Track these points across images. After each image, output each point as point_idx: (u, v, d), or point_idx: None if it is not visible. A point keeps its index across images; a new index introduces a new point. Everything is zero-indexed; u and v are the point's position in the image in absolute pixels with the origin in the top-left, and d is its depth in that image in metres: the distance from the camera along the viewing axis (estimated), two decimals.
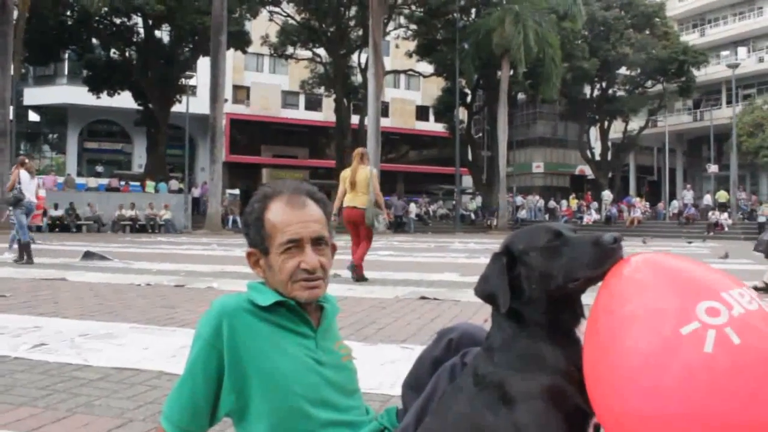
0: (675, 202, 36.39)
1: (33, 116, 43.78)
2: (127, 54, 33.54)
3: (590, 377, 1.17)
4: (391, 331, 4.58)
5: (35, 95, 40.97)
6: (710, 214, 30.30)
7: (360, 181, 7.82)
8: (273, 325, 1.48)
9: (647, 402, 1.03)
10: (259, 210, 1.54)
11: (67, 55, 36.86)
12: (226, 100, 30.08)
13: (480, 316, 5.12)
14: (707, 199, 33.74)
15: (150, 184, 30.19)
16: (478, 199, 38.95)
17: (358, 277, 7.83)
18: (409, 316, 5.29)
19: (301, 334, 1.52)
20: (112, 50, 33.43)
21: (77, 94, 37.83)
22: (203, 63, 31.98)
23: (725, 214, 30.07)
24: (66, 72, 41.34)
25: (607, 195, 36.58)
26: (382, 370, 3.34)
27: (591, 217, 34.63)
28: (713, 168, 37.91)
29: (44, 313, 5.22)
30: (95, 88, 33.74)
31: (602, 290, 1.21)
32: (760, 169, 43.38)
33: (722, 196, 32.94)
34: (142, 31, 32.73)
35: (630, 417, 1.06)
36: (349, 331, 4.51)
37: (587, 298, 1.28)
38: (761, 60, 44.76)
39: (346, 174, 7.99)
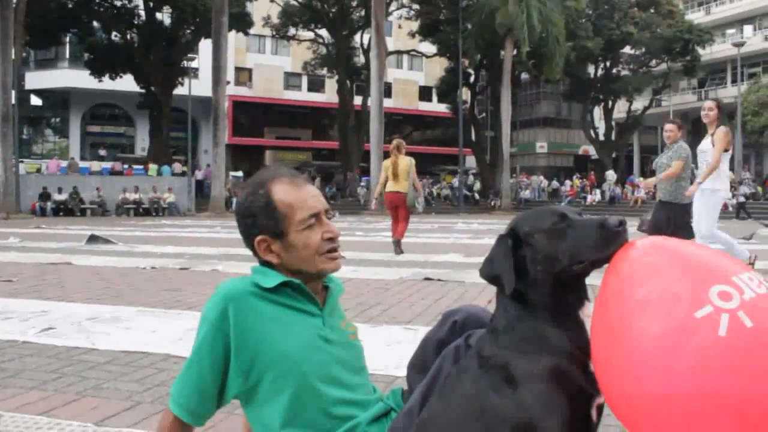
0: None
1: (35, 100, 43.71)
2: (128, 37, 33.41)
3: (601, 360, 1.18)
4: (395, 312, 4.61)
5: (37, 79, 40.91)
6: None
7: (401, 169, 9.00)
8: (280, 306, 1.49)
9: (661, 384, 1.05)
10: (264, 195, 1.53)
11: (68, 39, 36.74)
12: (228, 82, 30.02)
13: (484, 296, 5.14)
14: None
15: (153, 168, 30.21)
16: (471, 179, 38.97)
17: (400, 251, 9.20)
18: (414, 297, 5.32)
19: (309, 312, 1.53)
20: (113, 33, 33.32)
21: (79, 78, 37.80)
22: (205, 45, 31.83)
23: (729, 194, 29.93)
24: (67, 55, 41.26)
25: (611, 175, 36.47)
26: (388, 351, 3.37)
27: (595, 197, 34.57)
28: None
29: (51, 297, 5.25)
30: (97, 72, 33.68)
31: (610, 274, 1.21)
32: (765, 149, 43.17)
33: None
34: (143, 13, 32.59)
35: (643, 399, 1.08)
36: (354, 312, 4.54)
37: (592, 280, 1.29)
38: (767, 38, 44.36)
39: (387, 164, 9.18)
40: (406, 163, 9.04)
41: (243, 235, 1.58)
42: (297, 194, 1.54)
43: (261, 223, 1.53)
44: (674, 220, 6.84)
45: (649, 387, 1.06)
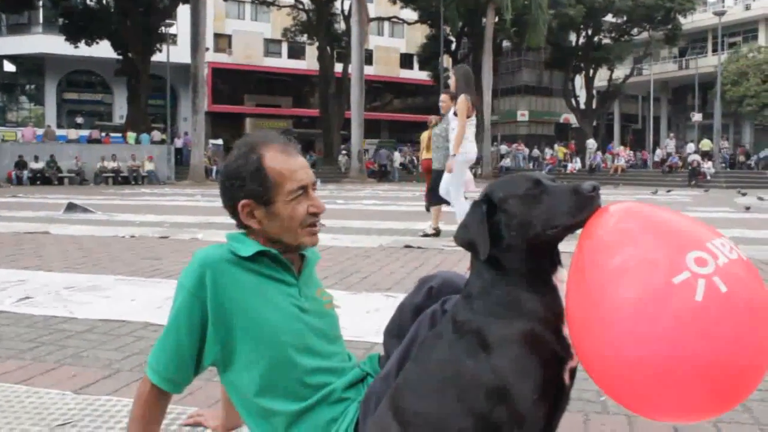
0: (658, 151, 36.48)
1: (8, 66, 42.78)
2: (104, 1, 32.62)
3: (578, 326, 1.20)
4: (375, 280, 4.63)
5: (10, 44, 39.96)
6: (690, 159, 30.11)
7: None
8: (256, 275, 1.49)
9: (639, 348, 1.08)
10: (256, 161, 1.51)
11: (41, 3, 35.78)
12: (207, 49, 29.51)
13: (463, 264, 5.17)
14: (690, 147, 33.87)
15: (131, 135, 29.77)
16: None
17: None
18: (393, 265, 5.34)
19: (285, 282, 1.53)
20: None
21: (54, 44, 36.94)
22: (183, 11, 31.26)
23: (709, 163, 30.21)
24: (41, 20, 40.26)
25: (591, 143, 36.58)
26: (367, 318, 3.39)
27: (575, 165, 34.72)
28: (697, 117, 37.96)
29: (28, 266, 5.21)
30: (72, 37, 32.87)
31: (586, 240, 1.23)
32: (743, 118, 43.49)
33: (705, 144, 33.03)
34: None
35: (621, 363, 1.11)
36: (334, 279, 4.55)
37: (564, 247, 1.30)
38: (748, 8, 44.40)
39: (424, 136, 10.41)
40: None
41: (225, 196, 1.56)
42: (288, 164, 1.52)
43: (248, 187, 1.51)
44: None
45: (628, 351, 1.09)
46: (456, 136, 6.60)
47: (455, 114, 6.64)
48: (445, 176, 6.85)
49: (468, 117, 6.61)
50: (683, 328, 1.05)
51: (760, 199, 16.50)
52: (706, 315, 1.05)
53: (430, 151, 10.14)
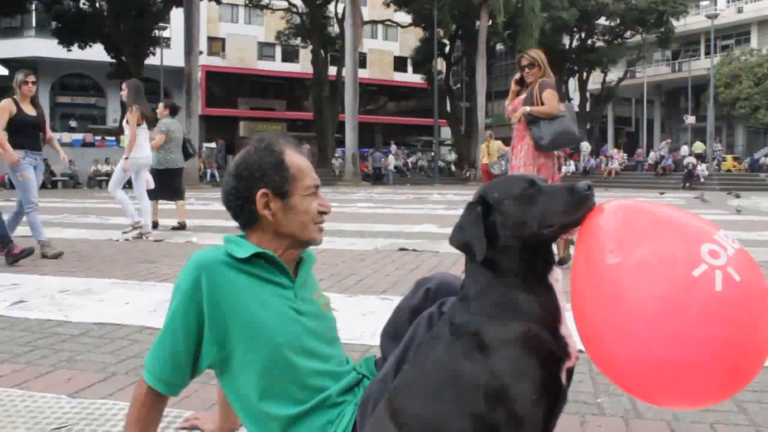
0: (651, 153, 36.57)
1: (1, 70, 42.59)
2: (97, 5, 32.55)
3: (596, 327, 1.21)
4: (370, 283, 4.63)
5: (2, 48, 39.74)
6: (685, 162, 30.25)
7: (492, 150, 14.03)
8: (252, 277, 1.50)
9: (668, 340, 1.11)
10: (279, 154, 1.55)
11: (34, 6, 35.68)
12: (201, 53, 29.49)
13: (458, 266, 5.18)
14: (685, 150, 33.96)
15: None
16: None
17: None
18: (389, 268, 5.34)
19: (280, 284, 1.54)
20: (82, 1, 32.43)
21: (47, 47, 36.87)
22: (177, 14, 31.14)
23: (703, 165, 30.31)
24: (34, 24, 40.17)
25: (585, 146, 36.65)
26: (363, 320, 3.39)
27: (569, 168, 34.78)
28: (690, 119, 38.08)
29: (23, 270, 5.20)
30: (65, 41, 32.80)
31: (591, 239, 1.24)
32: (736, 121, 43.68)
33: (698, 147, 33.13)
34: None
35: (649, 356, 1.13)
36: (330, 282, 4.55)
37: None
38: (740, 11, 44.64)
39: (483, 146, 14.48)
40: (494, 146, 14.08)
41: (240, 188, 1.54)
42: (303, 163, 1.59)
43: (269, 178, 1.53)
44: (167, 181, 9.06)
45: (655, 343, 1.12)
46: (128, 143, 7.73)
47: (127, 122, 7.75)
48: (115, 172, 7.97)
49: (139, 125, 7.80)
50: (707, 317, 1.10)
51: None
52: (727, 303, 1.11)
53: (491, 159, 13.88)
